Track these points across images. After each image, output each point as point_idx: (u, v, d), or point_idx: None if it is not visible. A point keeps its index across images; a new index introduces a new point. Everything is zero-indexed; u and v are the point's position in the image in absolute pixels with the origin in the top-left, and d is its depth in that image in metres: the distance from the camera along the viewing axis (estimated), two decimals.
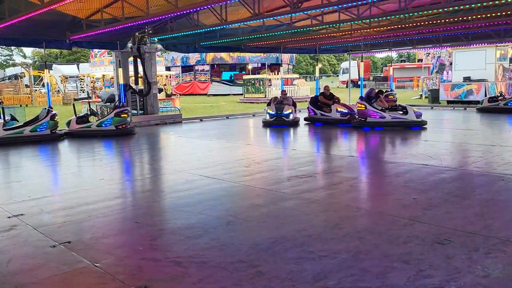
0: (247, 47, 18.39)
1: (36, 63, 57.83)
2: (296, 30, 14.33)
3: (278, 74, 32.26)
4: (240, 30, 14.71)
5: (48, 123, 11.50)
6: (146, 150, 10.51)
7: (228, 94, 35.22)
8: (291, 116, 13.43)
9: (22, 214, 4.97)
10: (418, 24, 14.04)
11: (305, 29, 14.03)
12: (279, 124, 13.31)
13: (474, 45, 18.96)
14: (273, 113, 13.51)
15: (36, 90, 32.72)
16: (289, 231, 4.25)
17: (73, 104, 13.49)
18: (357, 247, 3.77)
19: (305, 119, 14.24)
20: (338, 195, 5.72)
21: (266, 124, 13.65)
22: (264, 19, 12.46)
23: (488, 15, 12.06)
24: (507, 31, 16.02)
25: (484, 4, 10.84)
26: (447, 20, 13.60)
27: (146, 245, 4.01)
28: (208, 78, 38.26)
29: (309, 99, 15.55)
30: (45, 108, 11.93)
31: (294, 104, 14.18)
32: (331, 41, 18.49)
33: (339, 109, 13.41)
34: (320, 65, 61.54)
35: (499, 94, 17.55)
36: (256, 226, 4.50)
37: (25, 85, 32.25)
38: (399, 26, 14.39)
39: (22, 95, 29.57)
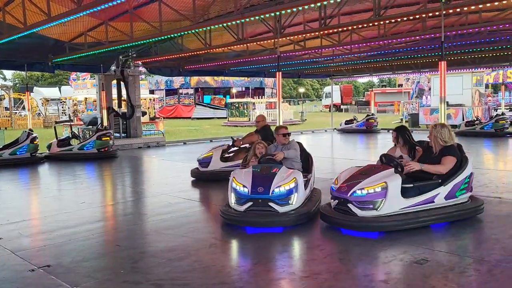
0: (230, 71, 18.64)
1: (17, 85, 57.25)
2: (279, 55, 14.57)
3: (261, 98, 32.63)
4: (224, 55, 14.93)
5: (28, 146, 11.36)
6: (128, 173, 10.45)
7: (212, 118, 35.36)
8: (293, 201, 5.10)
9: (0, 238, 4.89)
10: (397, 50, 14.48)
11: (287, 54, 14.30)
12: (258, 223, 4.96)
13: (452, 71, 19.56)
14: (246, 193, 5.08)
15: (16, 113, 32.33)
16: (271, 252, 4.28)
17: (54, 127, 13.40)
18: (337, 268, 3.82)
19: None
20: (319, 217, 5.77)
21: (229, 220, 5.15)
22: (248, 44, 12.70)
23: (463, 42, 12.55)
24: (481, 57, 16.62)
25: (459, 32, 11.32)
26: (425, 47, 14.09)
27: (127, 268, 3.99)
28: (192, 102, 38.44)
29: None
30: (26, 131, 11.82)
31: (309, 159, 6.20)
32: (314, 68, 18.91)
33: None
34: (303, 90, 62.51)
35: (475, 119, 18.07)
36: (239, 248, 4.51)
37: (5, 107, 31.86)
38: (379, 52, 14.81)
39: (2, 118, 29.17)
